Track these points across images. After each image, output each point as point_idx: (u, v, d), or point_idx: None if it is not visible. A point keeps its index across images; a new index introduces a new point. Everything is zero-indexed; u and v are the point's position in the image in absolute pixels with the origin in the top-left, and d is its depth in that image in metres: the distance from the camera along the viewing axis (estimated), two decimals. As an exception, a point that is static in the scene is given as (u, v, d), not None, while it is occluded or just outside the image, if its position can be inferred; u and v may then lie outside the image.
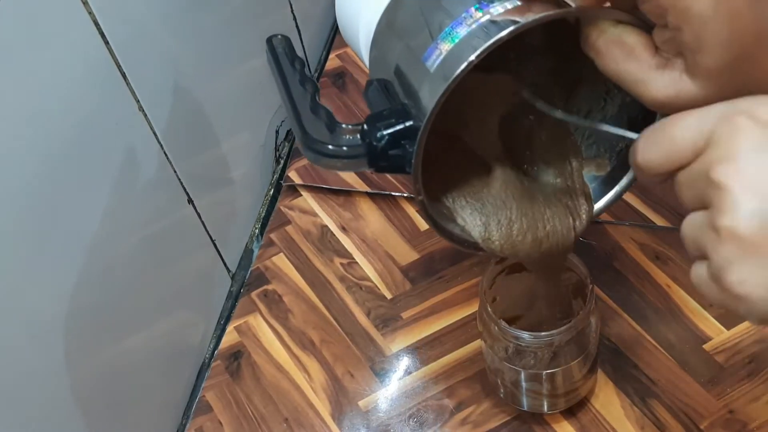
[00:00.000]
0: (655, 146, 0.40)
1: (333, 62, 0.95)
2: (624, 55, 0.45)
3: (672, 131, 0.40)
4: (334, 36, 0.98)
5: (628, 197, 0.76)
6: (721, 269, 0.37)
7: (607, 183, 0.56)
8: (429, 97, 0.45)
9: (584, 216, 0.55)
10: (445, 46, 0.46)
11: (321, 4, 0.97)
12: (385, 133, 0.46)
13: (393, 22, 0.52)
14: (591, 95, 0.56)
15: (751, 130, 0.37)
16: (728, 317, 0.68)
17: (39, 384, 0.53)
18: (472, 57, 0.44)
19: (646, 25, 0.45)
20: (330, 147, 0.47)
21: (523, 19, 0.44)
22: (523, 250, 0.54)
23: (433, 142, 0.47)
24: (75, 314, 0.56)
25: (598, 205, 0.56)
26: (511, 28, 0.44)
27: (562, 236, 0.54)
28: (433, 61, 0.46)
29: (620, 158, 0.56)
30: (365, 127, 0.47)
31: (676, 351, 0.67)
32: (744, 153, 0.37)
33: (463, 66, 0.44)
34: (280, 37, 0.54)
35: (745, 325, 0.68)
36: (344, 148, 0.47)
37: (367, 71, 0.55)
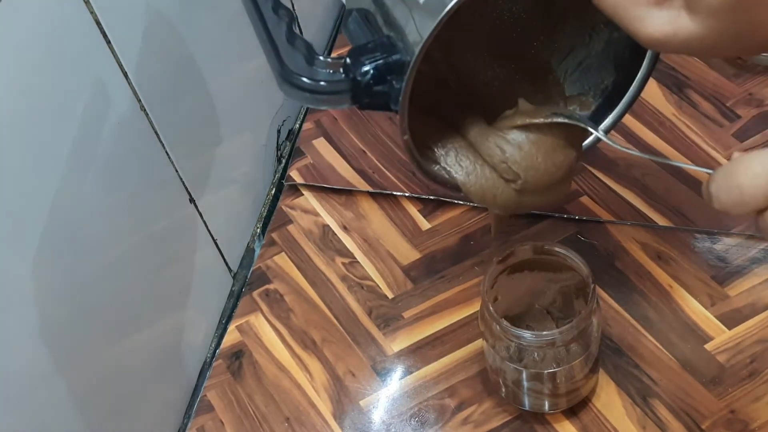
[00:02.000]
0: (727, 196, 0.40)
1: (334, 62, 0.94)
2: None
3: (740, 181, 0.39)
4: (335, 36, 0.98)
5: (630, 197, 0.76)
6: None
7: (594, 120, 0.55)
8: (418, 31, 0.43)
9: (572, 148, 0.53)
10: None
11: (322, 4, 0.97)
12: (369, 67, 0.44)
13: None
14: (575, 31, 0.54)
15: None
16: (730, 317, 0.68)
17: (40, 384, 0.53)
18: None
19: None
20: (311, 80, 0.44)
21: None
22: (506, 188, 0.53)
23: (416, 79, 0.45)
24: (76, 314, 0.56)
25: (585, 143, 0.54)
26: None
27: (548, 171, 0.53)
28: None
29: (605, 96, 0.54)
30: (348, 60, 0.44)
31: (678, 351, 0.67)
32: None
33: None
34: None
35: (747, 325, 0.68)
36: (326, 82, 0.44)
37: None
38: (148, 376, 0.67)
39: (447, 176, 0.52)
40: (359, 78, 0.44)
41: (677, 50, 0.43)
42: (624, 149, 0.50)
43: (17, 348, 0.51)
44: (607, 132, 0.54)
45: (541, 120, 0.52)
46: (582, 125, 0.51)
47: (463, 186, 0.52)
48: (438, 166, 0.52)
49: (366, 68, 0.44)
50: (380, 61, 0.44)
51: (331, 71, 0.44)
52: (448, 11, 0.41)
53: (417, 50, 0.43)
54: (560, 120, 0.51)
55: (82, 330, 0.57)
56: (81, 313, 0.57)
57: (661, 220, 0.75)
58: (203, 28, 0.71)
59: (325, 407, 0.69)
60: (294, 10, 0.87)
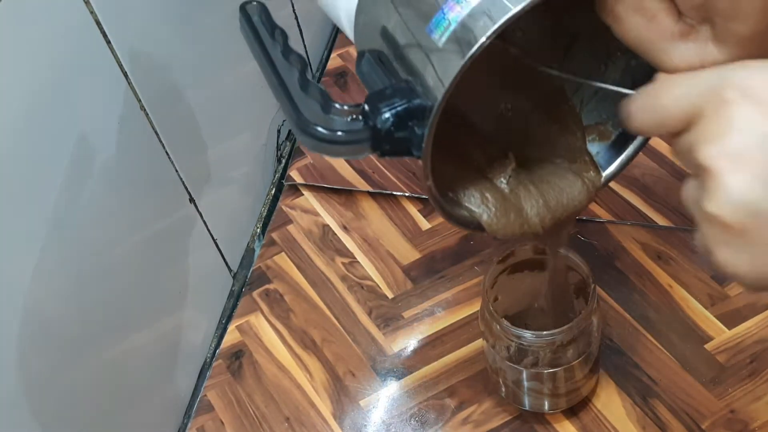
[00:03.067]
0: (646, 113, 0.40)
1: (335, 61, 0.95)
2: (645, 21, 0.42)
3: (662, 100, 0.39)
4: (335, 35, 0.98)
5: (630, 197, 0.76)
6: (708, 247, 0.37)
7: (615, 149, 0.54)
8: (439, 77, 0.42)
9: (590, 185, 0.53)
10: (455, 15, 0.42)
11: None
12: (389, 114, 0.42)
13: None
14: (589, 58, 0.53)
15: (740, 107, 0.35)
16: (730, 317, 0.68)
17: (40, 383, 0.53)
18: (492, 30, 0.40)
19: None
20: (330, 132, 0.43)
21: None
22: (529, 229, 0.52)
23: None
24: (77, 313, 0.56)
25: (606, 173, 0.54)
26: None
27: (568, 208, 0.52)
28: (441, 34, 0.42)
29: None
30: (366, 107, 0.43)
31: (678, 351, 0.67)
32: (731, 134, 0.35)
33: (481, 41, 0.40)
34: (255, 3, 0.48)
35: (747, 325, 0.68)
36: (345, 132, 0.43)
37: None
38: (148, 375, 0.67)
39: (470, 217, 0.51)
40: (379, 126, 0.42)
41: None
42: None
43: (17, 348, 0.51)
44: (628, 161, 0.54)
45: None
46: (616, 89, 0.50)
47: (489, 227, 0.51)
48: (461, 208, 0.51)
49: (386, 116, 0.42)
50: (400, 108, 0.42)
51: (349, 119, 0.43)
52: (471, 56, 0.40)
53: (440, 97, 0.41)
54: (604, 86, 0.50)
55: (82, 330, 0.57)
56: (81, 313, 0.57)
57: (661, 220, 0.75)
58: (203, 29, 0.71)
59: (325, 407, 0.69)
60: (294, 10, 0.87)
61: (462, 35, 0.41)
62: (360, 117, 0.43)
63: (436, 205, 0.49)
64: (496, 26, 0.40)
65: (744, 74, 0.36)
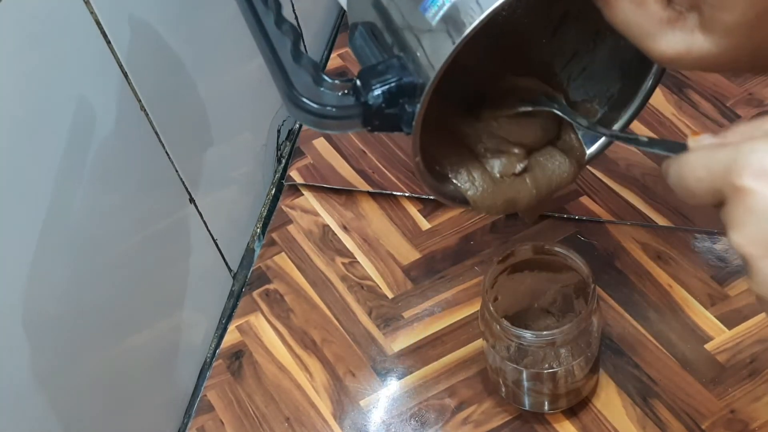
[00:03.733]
0: (680, 189, 0.39)
1: (335, 61, 0.95)
2: (634, 6, 0.43)
3: (687, 182, 0.38)
4: (335, 35, 0.98)
5: (630, 196, 0.76)
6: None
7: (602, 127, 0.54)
8: (432, 56, 0.42)
9: (574, 162, 0.53)
10: None
11: (322, 3, 0.97)
12: (381, 90, 0.42)
13: None
14: (578, 35, 0.53)
15: (756, 194, 0.35)
16: (730, 317, 0.68)
17: (40, 383, 0.53)
18: (484, 15, 0.40)
19: None
20: (321, 106, 0.43)
21: None
22: (514, 204, 0.52)
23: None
24: (76, 313, 0.56)
25: (590, 151, 0.54)
26: None
27: (552, 183, 0.52)
28: (435, 13, 0.42)
29: (611, 104, 0.54)
30: (358, 83, 0.43)
31: (678, 351, 0.67)
32: (752, 222, 0.35)
33: (472, 26, 0.40)
34: None
35: (747, 325, 0.68)
36: (337, 107, 0.43)
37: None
38: (148, 375, 0.67)
39: (456, 192, 0.51)
40: (370, 102, 0.43)
41: (690, 67, 0.43)
42: (591, 129, 0.49)
43: (17, 348, 0.51)
44: (611, 142, 0.54)
45: (511, 111, 0.51)
46: (546, 108, 0.50)
47: (473, 202, 0.51)
48: (448, 183, 0.51)
49: (377, 92, 0.42)
50: (392, 84, 0.43)
51: (340, 94, 0.43)
52: (463, 39, 0.40)
53: (432, 77, 0.42)
54: (523, 109, 0.51)
55: (82, 330, 0.57)
56: (81, 313, 0.57)
57: (661, 220, 0.75)
58: (203, 28, 0.71)
59: (325, 407, 0.69)
60: (294, 10, 0.87)
61: (454, 16, 0.41)
62: (351, 92, 0.43)
63: (423, 180, 0.49)
64: (488, 11, 0.40)
65: (757, 156, 0.35)
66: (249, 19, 0.47)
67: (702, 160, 0.37)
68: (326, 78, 0.43)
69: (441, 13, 0.42)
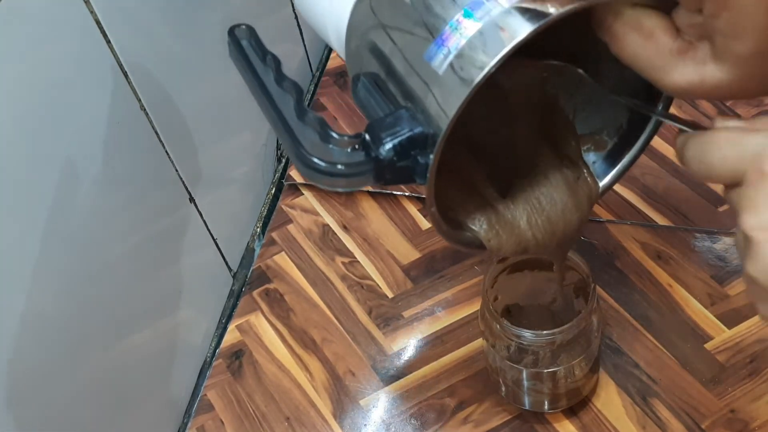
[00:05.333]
0: (695, 164, 0.40)
1: (335, 61, 0.95)
2: (642, 39, 0.42)
3: (709, 157, 0.39)
4: (335, 35, 0.98)
5: (630, 196, 0.76)
6: (752, 299, 0.38)
7: (611, 159, 0.54)
8: (443, 105, 0.41)
9: (588, 197, 0.53)
10: (454, 42, 0.41)
11: (322, 3, 0.97)
12: (392, 144, 0.41)
13: (377, 8, 0.46)
14: (583, 65, 0.52)
15: None
16: (730, 317, 0.68)
17: (40, 383, 0.53)
18: (494, 61, 0.39)
19: (664, 6, 0.42)
20: (331, 164, 0.41)
21: (550, 8, 0.39)
22: (533, 247, 0.52)
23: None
24: (76, 313, 0.56)
25: (603, 182, 0.53)
26: (537, 24, 0.39)
27: (570, 224, 0.52)
28: (441, 62, 0.41)
29: (621, 135, 0.53)
30: (367, 137, 0.42)
31: (678, 350, 0.67)
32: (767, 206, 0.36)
33: (485, 72, 0.40)
34: (244, 27, 0.47)
35: (747, 324, 0.68)
36: (347, 165, 0.41)
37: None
38: (148, 375, 0.67)
39: (472, 237, 0.51)
40: (381, 156, 0.41)
41: (702, 96, 0.43)
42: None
43: (17, 348, 0.51)
44: (624, 171, 0.54)
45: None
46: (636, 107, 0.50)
47: (489, 245, 0.51)
48: (463, 229, 0.51)
49: (388, 146, 0.41)
50: (403, 137, 0.41)
51: (349, 150, 0.42)
52: (476, 86, 0.40)
53: (444, 127, 0.41)
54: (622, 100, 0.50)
55: (82, 330, 0.57)
56: (81, 312, 0.57)
57: (661, 220, 0.75)
58: (203, 28, 0.71)
59: (325, 406, 0.69)
60: (294, 10, 0.87)
61: (464, 63, 0.40)
62: (361, 147, 0.42)
63: (438, 229, 0.48)
64: (498, 57, 0.39)
65: None
66: (248, 79, 0.46)
67: (732, 139, 0.38)
68: (333, 134, 0.42)
69: (448, 61, 0.41)
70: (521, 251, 0.52)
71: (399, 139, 0.41)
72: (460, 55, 0.41)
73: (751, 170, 0.37)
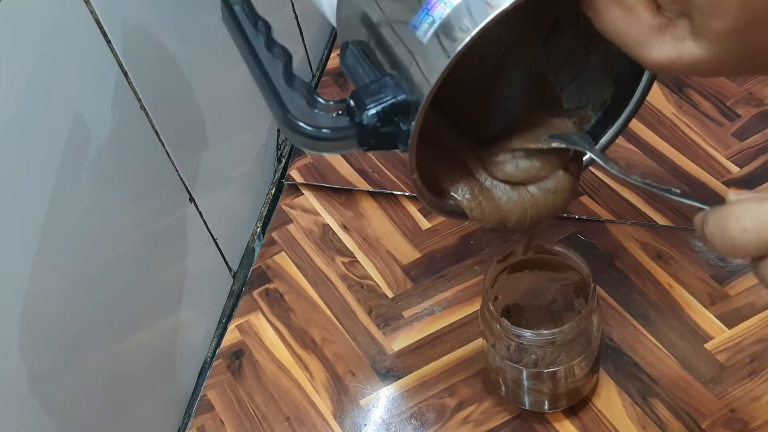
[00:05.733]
0: (719, 240, 0.39)
1: (335, 61, 0.95)
2: (623, 14, 0.43)
3: (731, 233, 0.38)
4: (336, 35, 0.98)
5: (630, 196, 0.76)
6: None
7: (594, 134, 0.54)
8: (426, 72, 0.42)
9: (571, 171, 0.53)
10: (439, 11, 0.42)
11: (322, 2, 0.97)
12: (375, 110, 0.42)
13: None
14: (570, 42, 0.53)
15: None
16: (730, 316, 0.68)
17: (40, 383, 0.53)
18: (476, 30, 0.40)
19: None
20: (316, 128, 0.42)
21: None
22: (514, 221, 0.52)
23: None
24: (76, 313, 0.56)
25: (586, 157, 0.53)
26: None
27: (550, 197, 0.52)
28: (426, 30, 0.42)
29: (605, 109, 0.53)
30: (352, 103, 0.43)
31: (678, 350, 0.67)
32: None
33: (466, 41, 0.40)
34: None
35: (747, 324, 0.68)
36: (331, 129, 0.43)
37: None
38: (149, 375, 0.67)
39: (455, 205, 0.51)
40: (365, 121, 0.42)
41: (681, 73, 0.43)
42: (622, 176, 0.49)
43: (17, 348, 0.51)
44: (607, 145, 0.54)
45: (537, 146, 0.51)
46: (580, 149, 0.51)
47: (471, 214, 0.51)
48: (446, 197, 0.51)
49: (372, 111, 0.42)
50: (386, 103, 0.42)
51: (334, 115, 0.43)
52: (456, 55, 0.40)
53: (426, 94, 0.41)
54: (556, 145, 0.51)
55: (82, 330, 0.57)
56: (81, 312, 0.57)
57: (661, 220, 0.75)
58: (203, 28, 0.71)
59: (325, 406, 0.69)
60: (294, 10, 0.87)
61: (447, 32, 0.41)
62: (346, 113, 0.43)
63: (420, 196, 0.49)
64: (481, 26, 0.40)
65: None
66: (239, 43, 0.47)
67: (751, 211, 0.37)
68: (320, 99, 0.43)
69: (432, 29, 0.42)
70: (502, 223, 0.52)
71: (382, 105, 0.42)
72: (444, 24, 0.41)
73: None
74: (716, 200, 0.40)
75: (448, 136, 0.53)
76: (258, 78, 0.45)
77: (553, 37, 0.54)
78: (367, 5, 0.46)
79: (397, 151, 0.45)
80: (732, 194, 0.40)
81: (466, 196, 0.51)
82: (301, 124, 0.42)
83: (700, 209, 0.41)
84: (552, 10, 0.51)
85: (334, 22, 0.51)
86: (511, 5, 0.40)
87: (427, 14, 0.42)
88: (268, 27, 0.46)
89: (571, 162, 0.53)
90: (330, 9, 0.50)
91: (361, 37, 0.46)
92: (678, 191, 0.44)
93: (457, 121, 0.53)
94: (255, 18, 0.47)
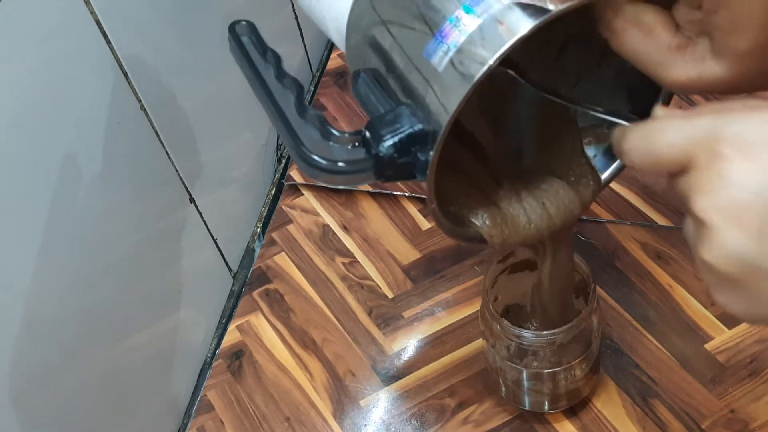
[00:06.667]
0: (639, 155, 0.39)
1: (335, 61, 0.95)
2: (642, 35, 0.42)
3: (655, 145, 0.38)
4: (335, 35, 0.98)
5: (630, 196, 0.76)
6: (708, 285, 0.37)
7: (611, 153, 0.52)
8: (443, 102, 0.41)
9: (590, 189, 0.53)
10: (453, 39, 0.41)
11: (322, 3, 0.97)
12: (392, 141, 0.41)
13: (377, 3, 0.45)
14: (584, 57, 0.52)
15: (734, 162, 0.35)
16: (730, 317, 0.68)
17: (41, 383, 0.53)
18: (494, 59, 0.39)
19: (664, 2, 0.42)
20: (332, 162, 0.42)
21: (550, 4, 0.39)
22: (534, 240, 0.52)
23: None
24: (76, 313, 0.56)
25: (604, 177, 0.53)
26: (537, 20, 0.39)
27: (569, 215, 0.52)
28: (441, 59, 0.41)
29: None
30: (367, 134, 0.42)
31: (678, 350, 0.67)
32: (724, 188, 0.35)
33: (483, 70, 0.39)
34: (244, 23, 0.47)
35: (747, 324, 0.68)
36: (347, 162, 0.42)
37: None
38: (149, 375, 0.67)
39: (473, 231, 0.51)
40: (382, 153, 0.41)
41: (701, 92, 0.43)
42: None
43: (16, 348, 0.51)
44: (624, 166, 0.54)
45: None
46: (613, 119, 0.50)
47: (490, 239, 0.51)
48: (463, 223, 0.51)
49: (388, 143, 0.41)
50: (403, 134, 0.41)
51: (350, 147, 0.42)
52: (475, 83, 0.40)
53: (444, 124, 0.41)
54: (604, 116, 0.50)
55: (82, 330, 0.57)
56: (81, 312, 0.57)
57: (661, 220, 0.75)
58: (203, 28, 0.71)
59: (325, 407, 0.69)
60: (294, 10, 0.87)
61: (463, 61, 0.40)
62: (361, 144, 0.42)
63: (439, 225, 0.48)
64: (498, 53, 0.39)
65: (739, 126, 0.35)
66: (248, 75, 0.46)
67: (678, 125, 0.37)
68: (334, 132, 0.42)
69: (447, 58, 0.41)
70: (517, 242, 0.52)
71: (399, 136, 0.41)
72: (459, 52, 0.40)
73: (701, 153, 0.36)
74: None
75: (464, 161, 0.52)
76: (270, 111, 0.44)
77: (565, 53, 0.53)
78: (378, 32, 0.45)
79: (415, 180, 0.44)
80: (659, 110, 0.40)
81: (486, 222, 0.50)
82: (317, 158, 0.42)
83: (620, 125, 0.40)
84: (565, 28, 0.51)
85: (342, 48, 0.50)
86: (530, 31, 0.39)
87: (442, 42, 0.41)
88: (278, 58, 0.46)
89: (585, 173, 0.53)
90: (338, 34, 0.50)
91: (373, 65, 0.45)
92: (601, 109, 0.43)
93: (471, 146, 0.53)
94: (264, 49, 0.46)
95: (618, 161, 0.54)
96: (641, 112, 0.52)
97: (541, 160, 0.53)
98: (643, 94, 0.51)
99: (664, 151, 0.38)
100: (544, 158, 0.53)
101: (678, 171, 0.37)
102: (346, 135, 0.42)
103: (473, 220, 0.51)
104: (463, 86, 0.40)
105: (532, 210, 0.52)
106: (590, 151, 0.54)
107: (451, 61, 0.41)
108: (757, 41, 0.40)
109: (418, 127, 0.42)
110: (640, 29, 0.43)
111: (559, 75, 0.54)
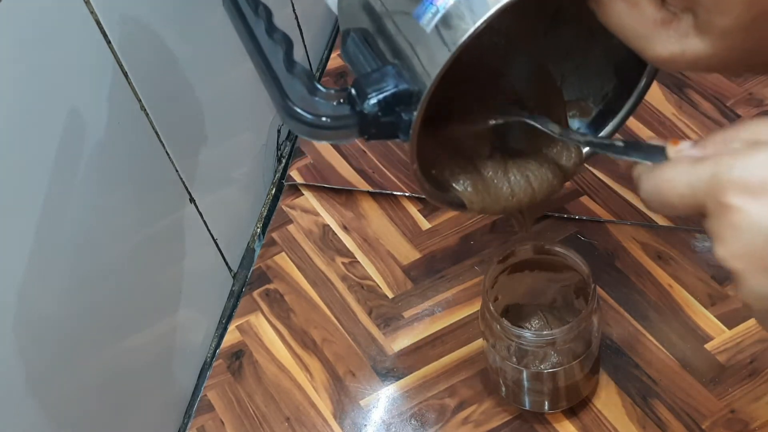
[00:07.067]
0: (657, 204, 0.40)
1: (335, 61, 0.95)
2: (627, 7, 0.43)
3: (667, 197, 0.38)
4: (335, 35, 0.98)
5: (630, 197, 0.76)
6: (757, 320, 0.38)
7: (595, 126, 0.54)
8: (428, 63, 0.41)
9: (571, 162, 0.53)
10: (443, 2, 0.41)
11: (322, 3, 0.97)
12: (377, 99, 0.42)
13: None
14: (571, 34, 0.53)
15: (741, 209, 0.35)
16: (730, 317, 0.68)
17: (40, 383, 0.53)
18: (479, 22, 0.40)
19: None
20: (316, 116, 0.42)
21: None
22: (513, 209, 0.53)
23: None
24: (76, 314, 0.56)
25: (586, 150, 0.53)
26: None
27: (551, 189, 0.52)
28: (429, 20, 0.42)
29: (606, 102, 0.53)
30: (353, 91, 0.42)
31: (678, 350, 0.67)
32: (736, 237, 0.35)
33: (469, 32, 0.40)
34: None
35: (747, 324, 0.68)
36: (332, 117, 0.42)
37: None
38: (149, 375, 0.67)
39: (453, 196, 0.51)
40: (366, 110, 0.42)
41: (684, 68, 0.43)
42: (563, 137, 0.48)
43: (16, 348, 0.51)
44: (609, 137, 0.54)
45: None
46: (534, 124, 0.50)
47: (470, 204, 0.51)
48: (445, 188, 0.51)
49: (373, 100, 0.42)
50: (387, 93, 0.42)
51: (335, 103, 0.43)
52: (459, 47, 0.40)
53: (428, 85, 0.41)
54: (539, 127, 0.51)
55: (82, 330, 0.57)
56: (81, 313, 0.57)
57: (661, 220, 0.75)
58: (203, 28, 0.71)
59: (325, 407, 0.69)
60: (294, 10, 0.87)
61: (450, 24, 0.41)
62: (346, 101, 0.43)
63: (420, 187, 0.49)
64: (484, 18, 0.40)
65: (741, 171, 0.35)
66: (239, 29, 0.46)
67: (684, 177, 0.38)
68: (320, 87, 0.43)
69: (435, 20, 0.41)
70: (501, 213, 0.53)
71: (384, 94, 0.42)
72: (447, 15, 0.41)
73: (709, 203, 0.36)
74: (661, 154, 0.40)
75: (448, 126, 0.52)
76: (258, 64, 0.44)
77: (555, 27, 0.53)
78: None
79: (397, 140, 0.45)
80: (670, 148, 0.40)
81: (468, 188, 0.51)
82: (301, 111, 0.42)
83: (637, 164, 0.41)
84: (554, 1, 0.51)
85: (335, 9, 0.51)
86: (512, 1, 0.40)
87: (431, 4, 0.42)
88: (269, 12, 0.46)
89: (569, 145, 0.53)
90: None
91: (363, 25, 0.46)
92: (621, 144, 0.43)
93: (457, 111, 0.53)
94: (256, 3, 0.47)
95: (600, 134, 0.54)
96: (627, 87, 0.53)
97: (526, 132, 0.53)
98: (629, 72, 0.51)
99: (677, 202, 0.38)
100: (530, 131, 0.53)
101: (699, 215, 0.38)
102: (332, 91, 0.43)
103: (454, 185, 0.51)
104: (446, 50, 0.41)
105: (516, 183, 0.52)
106: (574, 124, 0.54)
107: (439, 24, 0.41)
108: (740, 19, 0.40)
109: (404, 86, 0.42)
110: (626, 2, 0.43)
111: (548, 50, 0.54)
